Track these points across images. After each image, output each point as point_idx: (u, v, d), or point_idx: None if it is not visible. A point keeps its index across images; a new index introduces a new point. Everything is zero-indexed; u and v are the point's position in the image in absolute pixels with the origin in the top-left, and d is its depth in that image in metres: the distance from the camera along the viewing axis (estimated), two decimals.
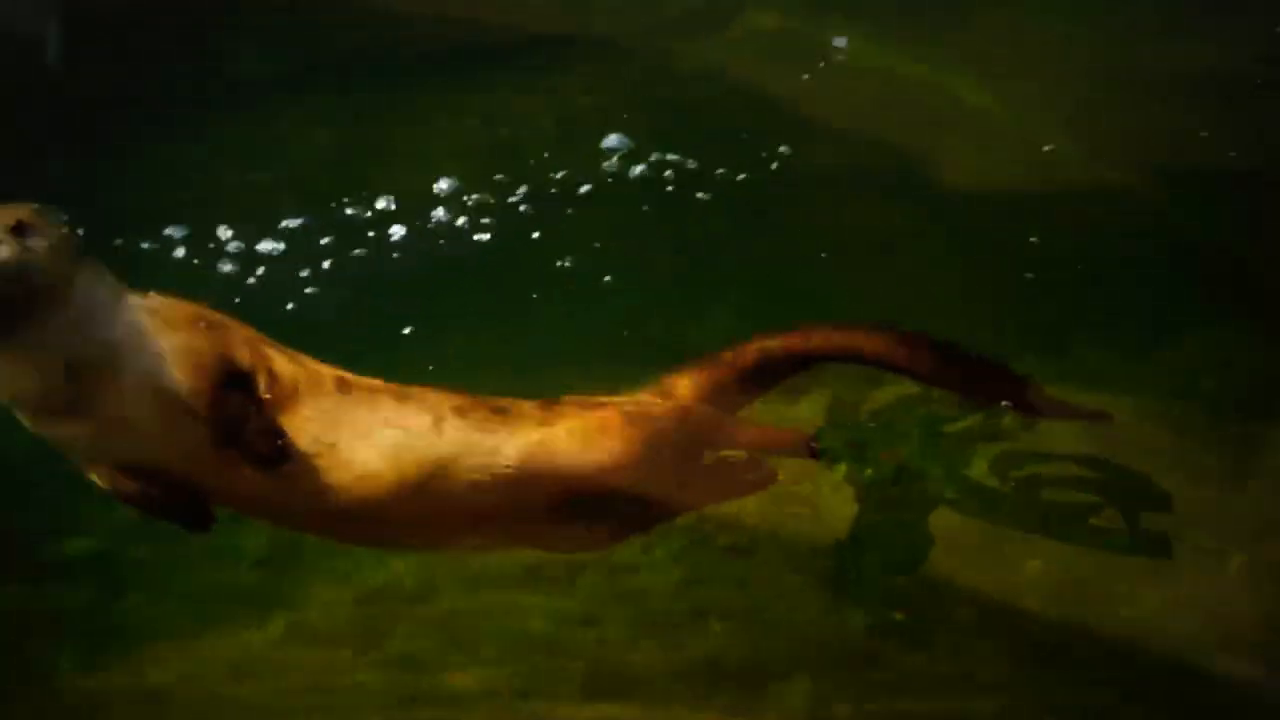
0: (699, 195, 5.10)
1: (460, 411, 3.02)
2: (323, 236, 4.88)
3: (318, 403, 2.95)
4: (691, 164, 5.12)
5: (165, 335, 2.89)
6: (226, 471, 2.92)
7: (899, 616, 4.10)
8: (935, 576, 4.16)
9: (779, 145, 5.17)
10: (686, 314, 4.82)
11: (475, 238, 4.98)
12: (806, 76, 5.34)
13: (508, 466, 2.97)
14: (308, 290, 4.81)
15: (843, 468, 4.34)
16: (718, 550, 4.25)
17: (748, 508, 4.26)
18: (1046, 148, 5.36)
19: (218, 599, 4.33)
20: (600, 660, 4.10)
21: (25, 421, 3.01)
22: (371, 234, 4.94)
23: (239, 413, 2.87)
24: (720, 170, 5.11)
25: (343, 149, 5.20)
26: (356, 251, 4.89)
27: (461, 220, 4.95)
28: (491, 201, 5.03)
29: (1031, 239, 4.99)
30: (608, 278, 4.95)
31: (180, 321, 2.93)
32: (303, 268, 4.80)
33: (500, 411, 3.05)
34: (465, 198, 4.98)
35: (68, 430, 2.92)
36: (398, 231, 4.92)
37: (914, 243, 5.10)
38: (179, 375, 2.87)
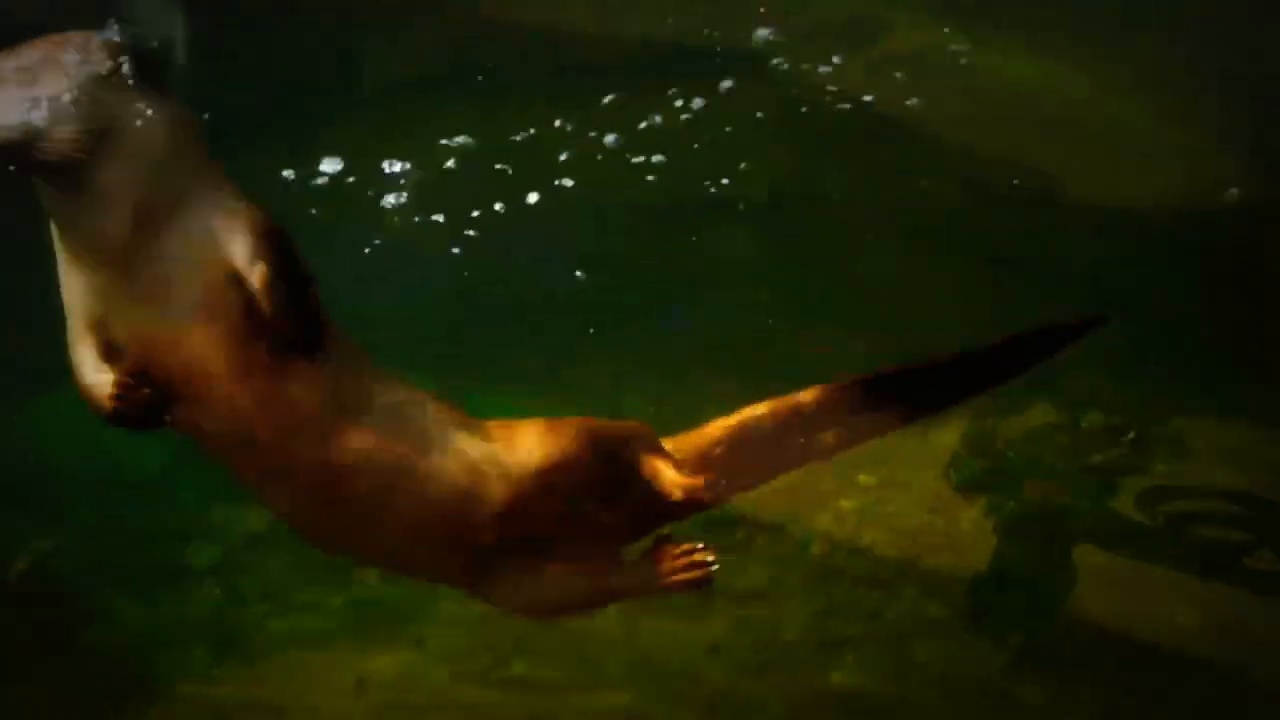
0: (834, 215, 5.00)
1: (438, 405, 2.92)
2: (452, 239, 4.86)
3: (337, 341, 2.86)
4: (828, 183, 5.02)
5: (238, 205, 2.72)
6: (233, 372, 2.78)
7: (1038, 657, 3.96)
8: (1079, 613, 4.01)
9: (924, 164, 5.05)
10: (827, 332, 4.73)
11: (602, 247, 4.92)
12: (952, 93, 5.21)
13: (469, 463, 2.85)
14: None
15: (984, 500, 4.21)
16: (851, 581, 4.14)
17: (882, 539, 4.15)
18: (1198, 166, 5.18)
19: (343, 613, 4.31)
20: (725, 688, 4.01)
21: (66, 255, 2.74)
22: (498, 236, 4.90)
23: (295, 287, 2.73)
24: (861, 190, 5.01)
25: (479, 153, 5.17)
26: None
27: (590, 228, 4.90)
28: (619, 213, 4.98)
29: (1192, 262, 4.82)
30: (732, 294, 4.89)
31: (253, 201, 2.83)
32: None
33: (472, 419, 2.95)
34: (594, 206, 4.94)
35: (102, 279, 2.75)
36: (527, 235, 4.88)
37: (1071, 263, 4.94)
38: (243, 241, 2.71)
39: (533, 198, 4.85)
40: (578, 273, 4.79)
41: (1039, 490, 4.25)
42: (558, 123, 4.93)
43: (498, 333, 4.88)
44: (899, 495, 4.25)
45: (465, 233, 4.77)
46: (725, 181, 4.95)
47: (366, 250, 4.74)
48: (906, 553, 4.15)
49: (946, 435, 4.42)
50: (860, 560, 4.17)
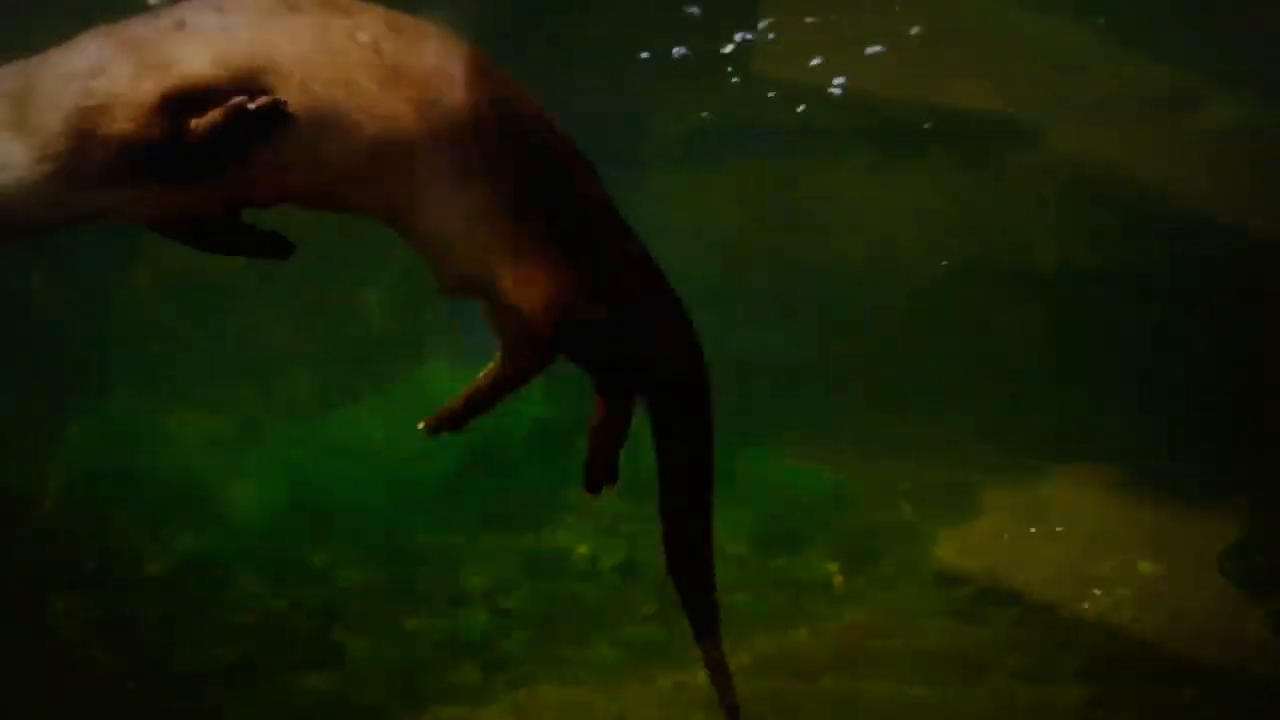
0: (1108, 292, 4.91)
1: None
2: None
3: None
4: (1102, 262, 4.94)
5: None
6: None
7: None
8: None
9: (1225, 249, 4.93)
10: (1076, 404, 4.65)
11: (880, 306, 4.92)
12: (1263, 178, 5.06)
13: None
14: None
15: (1272, 597, 4.10)
16: (1132, 674, 4.04)
17: (1162, 630, 4.06)
18: None
19: (608, 650, 4.34)
20: None
21: None
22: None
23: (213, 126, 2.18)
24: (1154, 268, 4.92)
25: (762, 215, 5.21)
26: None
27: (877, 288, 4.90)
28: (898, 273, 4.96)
29: None
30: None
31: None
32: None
33: None
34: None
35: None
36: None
37: None
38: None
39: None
40: None
41: None
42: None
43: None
44: (1180, 587, 4.16)
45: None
46: (1012, 250, 4.91)
47: None
48: (1191, 648, 4.04)
49: (1228, 528, 4.31)
50: (1137, 651, 4.08)
